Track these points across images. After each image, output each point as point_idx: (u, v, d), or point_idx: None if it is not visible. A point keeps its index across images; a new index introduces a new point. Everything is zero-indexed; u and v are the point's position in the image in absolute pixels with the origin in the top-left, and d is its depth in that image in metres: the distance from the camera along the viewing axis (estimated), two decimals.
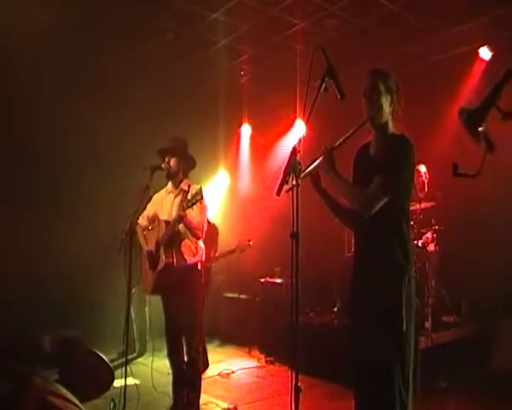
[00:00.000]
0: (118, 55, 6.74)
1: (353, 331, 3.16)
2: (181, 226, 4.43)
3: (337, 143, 3.00)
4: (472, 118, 2.00)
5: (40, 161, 6.96)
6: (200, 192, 4.21)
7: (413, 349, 2.91)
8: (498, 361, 5.60)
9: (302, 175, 2.99)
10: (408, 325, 2.84)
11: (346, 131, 3.00)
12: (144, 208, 4.76)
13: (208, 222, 5.06)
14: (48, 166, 6.95)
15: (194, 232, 4.48)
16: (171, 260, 4.44)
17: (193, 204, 4.21)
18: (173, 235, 4.44)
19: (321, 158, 3.02)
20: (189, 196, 4.23)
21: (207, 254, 5.76)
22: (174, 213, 4.45)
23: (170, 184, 4.75)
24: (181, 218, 4.27)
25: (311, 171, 3.07)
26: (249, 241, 6.54)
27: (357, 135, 2.98)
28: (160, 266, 4.45)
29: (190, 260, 4.55)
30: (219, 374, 6.24)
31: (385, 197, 2.87)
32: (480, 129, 1.99)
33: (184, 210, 4.24)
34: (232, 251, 6.56)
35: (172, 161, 4.58)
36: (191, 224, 4.41)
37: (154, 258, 4.54)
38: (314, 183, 3.16)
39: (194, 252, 4.60)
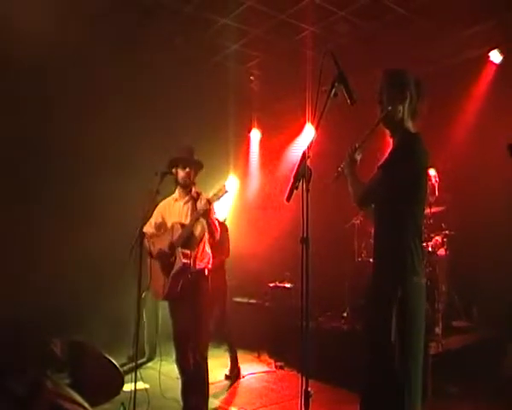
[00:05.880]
0: (130, 62, 6.78)
1: (361, 337, 3.15)
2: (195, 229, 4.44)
3: (357, 145, 3.05)
4: None
5: (54, 166, 7.01)
6: (224, 188, 4.26)
7: (420, 357, 2.84)
8: (509, 367, 5.55)
9: (335, 176, 3.11)
10: (406, 336, 2.75)
11: (356, 135, 3.02)
12: (150, 216, 4.73)
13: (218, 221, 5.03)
14: (62, 171, 7.02)
15: (213, 229, 4.47)
16: (188, 261, 4.37)
17: (219, 198, 4.25)
18: (190, 236, 4.41)
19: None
20: (215, 191, 4.27)
21: (220, 253, 5.77)
22: (189, 218, 4.45)
23: (177, 192, 4.72)
24: (207, 212, 4.27)
25: (340, 172, 3.11)
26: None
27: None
28: (177, 267, 4.35)
29: (199, 264, 4.49)
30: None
31: (375, 191, 2.90)
32: None
33: (211, 203, 4.26)
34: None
35: (189, 173, 4.59)
36: (213, 220, 4.43)
37: (167, 260, 4.45)
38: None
39: (201, 257, 4.55)
